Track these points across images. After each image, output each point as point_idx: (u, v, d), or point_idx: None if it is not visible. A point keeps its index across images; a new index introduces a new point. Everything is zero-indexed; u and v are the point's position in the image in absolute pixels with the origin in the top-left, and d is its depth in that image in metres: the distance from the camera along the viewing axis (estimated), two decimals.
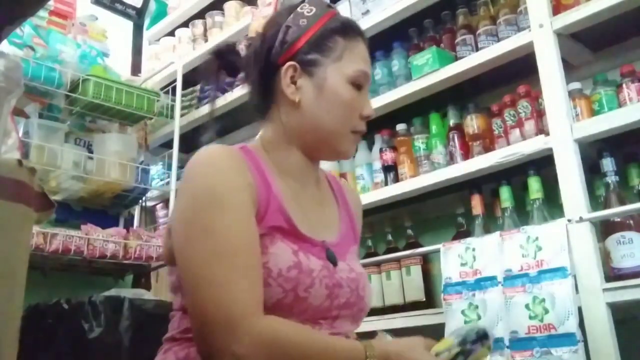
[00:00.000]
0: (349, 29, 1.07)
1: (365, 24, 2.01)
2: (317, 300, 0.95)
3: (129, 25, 3.27)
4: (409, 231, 2.10)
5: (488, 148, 1.81)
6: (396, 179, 2.01)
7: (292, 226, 0.98)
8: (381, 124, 2.05)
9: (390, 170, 2.04)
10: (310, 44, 1.04)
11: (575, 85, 1.63)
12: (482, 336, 0.90)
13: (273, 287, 0.91)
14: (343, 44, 1.05)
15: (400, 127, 2.07)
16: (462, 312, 1.60)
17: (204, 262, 0.89)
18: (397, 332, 1.12)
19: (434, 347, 0.92)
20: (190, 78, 2.88)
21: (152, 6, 3.32)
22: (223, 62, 1.13)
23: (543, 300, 1.43)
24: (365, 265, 1.44)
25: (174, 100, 2.71)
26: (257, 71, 1.08)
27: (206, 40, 2.90)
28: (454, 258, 1.68)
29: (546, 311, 1.42)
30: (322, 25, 1.05)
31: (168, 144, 2.74)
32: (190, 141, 3.01)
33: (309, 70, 1.04)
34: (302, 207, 1.03)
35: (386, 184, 2.03)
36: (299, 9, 1.07)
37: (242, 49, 1.16)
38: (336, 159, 1.56)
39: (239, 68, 1.14)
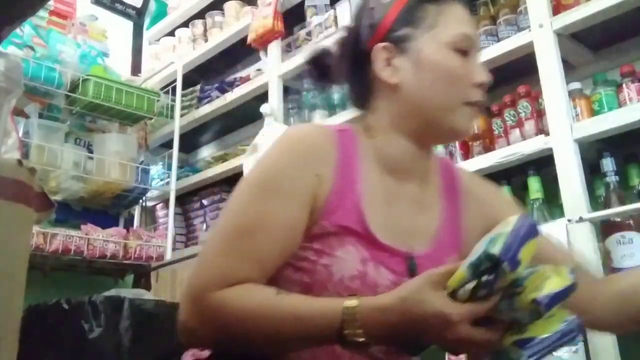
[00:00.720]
0: None
1: None
2: None
3: (129, 25, 3.27)
4: None
5: (488, 148, 1.80)
6: None
7: (366, 230, 0.87)
8: None
9: None
10: (399, 20, 0.94)
11: (575, 85, 1.63)
12: (497, 262, 0.71)
13: (331, 293, 0.83)
14: (435, 10, 0.93)
15: None
16: None
17: (217, 234, 0.87)
18: None
19: (449, 283, 0.74)
20: (190, 78, 2.89)
21: (152, 6, 3.32)
22: (319, 68, 1.03)
23: None
24: None
25: (174, 100, 2.71)
26: (348, 64, 0.99)
27: (206, 40, 2.90)
28: None
29: None
30: None
31: (168, 144, 2.74)
32: (190, 141, 3.02)
33: (403, 47, 0.93)
34: (393, 208, 0.92)
35: None
36: None
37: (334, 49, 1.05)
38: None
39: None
